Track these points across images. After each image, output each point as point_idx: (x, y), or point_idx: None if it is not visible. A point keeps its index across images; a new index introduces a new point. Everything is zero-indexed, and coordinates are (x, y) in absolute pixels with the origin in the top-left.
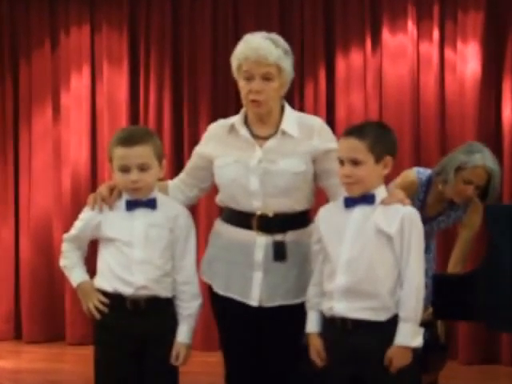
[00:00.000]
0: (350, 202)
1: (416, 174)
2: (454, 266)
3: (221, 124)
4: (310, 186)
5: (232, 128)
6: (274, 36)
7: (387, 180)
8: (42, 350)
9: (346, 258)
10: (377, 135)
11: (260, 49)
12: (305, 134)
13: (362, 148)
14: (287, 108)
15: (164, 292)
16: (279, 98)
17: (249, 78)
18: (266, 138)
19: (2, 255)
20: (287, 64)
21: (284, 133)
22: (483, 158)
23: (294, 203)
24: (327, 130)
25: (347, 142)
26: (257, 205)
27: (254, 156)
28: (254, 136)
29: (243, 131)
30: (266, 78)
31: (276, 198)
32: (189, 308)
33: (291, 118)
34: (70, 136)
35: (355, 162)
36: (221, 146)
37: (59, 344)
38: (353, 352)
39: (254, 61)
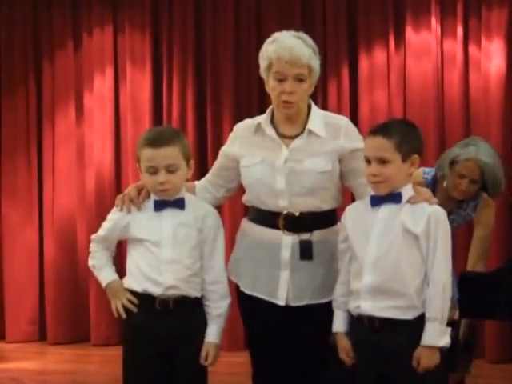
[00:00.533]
0: (376, 201)
1: (422, 174)
2: (472, 266)
3: (247, 124)
4: (336, 185)
5: (258, 127)
6: (303, 35)
7: None
8: (67, 352)
9: (373, 257)
10: (403, 134)
11: (294, 49)
12: (331, 133)
13: (389, 147)
14: (314, 107)
15: (193, 292)
16: (307, 98)
17: (281, 79)
18: (293, 138)
19: (27, 256)
20: (316, 64)
21: (310, 132)
22: (476, 151)
23: (321, 202)
24: (353, 129)
25: (374, 140)
26: (283, 204)
27: (281, 155)
28: (281, 135)
29: (269, 131)
30: (299, 79)
31: (302, 197)
32: (218, 308)
33: (318, 118)
34: (93, 137)
35: (382, 161)
36: (247, 146)
37: (84, 345)
38: (379, 351)
39: (287, 61)
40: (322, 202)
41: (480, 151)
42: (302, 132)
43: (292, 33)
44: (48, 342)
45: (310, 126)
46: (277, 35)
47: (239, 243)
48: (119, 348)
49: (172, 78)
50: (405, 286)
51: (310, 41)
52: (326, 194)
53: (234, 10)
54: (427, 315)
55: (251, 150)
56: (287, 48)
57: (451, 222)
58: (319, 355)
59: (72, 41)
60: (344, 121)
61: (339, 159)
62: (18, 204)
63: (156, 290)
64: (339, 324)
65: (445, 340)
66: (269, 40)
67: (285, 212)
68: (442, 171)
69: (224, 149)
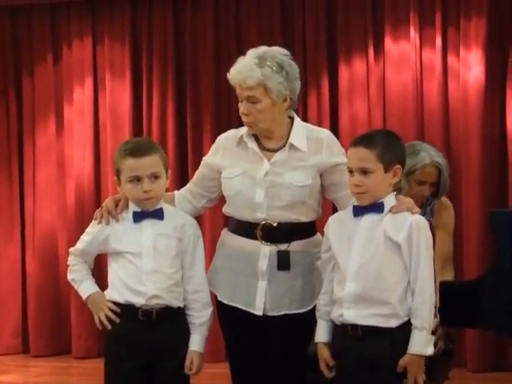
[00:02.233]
0: (358, 211)
1: None
2: (441, 270)
3: (230, 135)
4: (316, 198)
5: (241, 140)
6: (268, 52)
7: None
8: (49, 364)
9: (356, 265)
10: (385, 144)
11: (241, 72)
12: (313, 147)
13: (371, 157)
14: (296, 120)
15: (175, 302)
16: (280, 114)
17: (240, 100)
18: (275, 151)
19: (9, 271)
20: (277, 82)
21: (292, 146)
22: (429, 155)
23: (299, 215)
24: (336, 143)
25: (356, 151)
26: (261, 216)
27: (262, 169)
28: (263, 148)
29: (251, 144)
30: (251, 100)
31: (280, 210)
32: (201, 317)
33: (300, 131)
34: (73, 149)
35: (365, 172)
36: (229, 157)
37: (66, 358)
38: (362, 359)
39: (238, 83)
40: (301, 215)
41: (431, 154)
42: (283, 145)
43: (258, 50)
44: (31, 354)
45: (291, 139)
46: (241, 57)
47: (218, 253)
48: (100, 360)
49: (152, 89)
50: (387, 294)
51: (271, 59)
52: (304, 208)
53: (214, 20)
54: (414, 324)
55: (233, 162)
56: (237, 70)
57: None
58: (297, 365)
59: (51, 53)
60: (326, 134)
61: (321, 173)
62: (0, 219)
63: (138, 301)
64: (321, 334)
65: (431, 348)
66: None
67: (263, 222)
68: (399, 185)
69: (206, 159)
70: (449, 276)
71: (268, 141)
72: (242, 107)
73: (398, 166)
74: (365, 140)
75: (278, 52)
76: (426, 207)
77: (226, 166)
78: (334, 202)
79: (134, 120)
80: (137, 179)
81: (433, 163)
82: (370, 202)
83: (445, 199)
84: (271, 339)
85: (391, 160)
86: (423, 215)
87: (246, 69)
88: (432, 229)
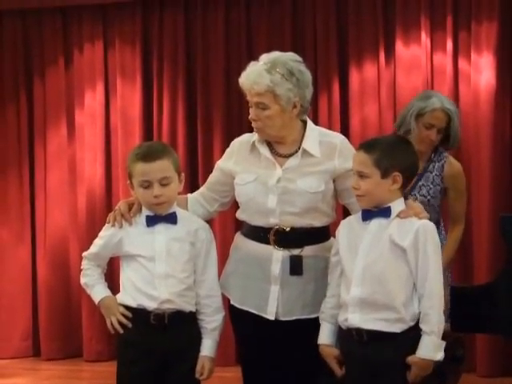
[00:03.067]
0: (366, 215)
1: None
2: (450, 231)
3: (244, 140)
4: (329, 204)
5: (253, 146)
6: (280, 58)
7: None
8: (60, 367)
9: (361, 270)
10: (386, 150)
11: (250, 77)
12: (326, 152)
13: (368, 162)
14: (309, 125)
15: (187, 306)
16: (290, 120)
17: (250, 106)
18: (287, 157)
19: (20, 274)
20: (286, 88)
21: (305, 152)
22: (440, 100)
23: (312, 220)
24: (349, 148)
25: (357, 155)
26: (274, 221)
27: (274, 175)
28: (276, 154)
29: (263, 150)
30: (260, 107)
31: (293, 215)
32: (213, 322)
33: (313, 136)
34: (84, 153)
35: (361, 175)
36: (242, 163)
37: (77, 361)
38: (367, 363)
39: (247, 89)
40: (314, 220)
41: (443, 100)
42: (296, 151)
43: (270, 56)
44: (42, 357)
45: (304, 145)
46: (250, 63)
47: (231, 257)
48: (111, 364)
49: (162, 93)
50: (392, 298)
51: (282, 65)
52: (317, 214)
53: (225, 25)
54: (424, 329)
55: (246, 168)
56: (247, 76)
57: (420, 189)
58: (309, 369)
59: (63, 57)
60: (339, 140)
61: (333, 179)
62: (10, 222)
63: (151, 305)
64: (325, 336)
65: (441, 353)
66: None
67: (276, 227)
68: (408, 126)
69: (219, 163)
70: (457, 231)
71: (280, 146)
72: (252, 113)
73: (397, 173)
74: (366, 144)
75: (290, 58)
76: (435, 163)
77: (238, 172)
78: (347, 207)
79: (144, 124)
80: (147, 184)
81: (443, 108)
82: (371, 206)
83: (454, 160)
84: (283, 344)
85: (390, 166)
86: (431, 171)
87: (254, 74)
88: (442, 188)
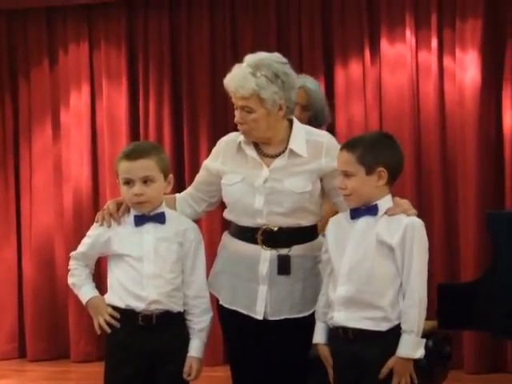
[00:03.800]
0: (354, 214)
1: None
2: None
3: (231, 139)
4: (316, 203)
5: (240, 146)
6: (264, 61)
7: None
8: (47, 369)
9: (347, 268)
10: (368, 146)
11: (235, 81)
12: (313, 152)
13: (352, 160)
14: (296, 124)
15: (175, 306)
16: (276, 121)
17: (235, 108)
18: (274, 157)
19: (5, 274)
20: (271, 92)
21: (292, 152)
22: (303, 80)
23: (300, 220)
24: (335, 147)
25: (340, 155)
26: (261, 222)
27: (261, 175)
28: (262, 154)
29: (249, 151)
30: (245, 110)
31: (280, 216)
32: (200, 322)
33: (299, 136)
34: (70, 153)
35: (346, 174)
36: (229, 163)
37: (64, 362)
38: (354, 361)
39: (232, 91)
40: (301, 220)
41: (306, 80)
42: (283, 151)
43: (253, 58)
44: (28, 358)
45: (291, 145)
46: (235, 65)
47: (219, 256)
48: (98, 364)
49: (148, 93)
50: (378, 297)
51: (266, 67)
52: (305, 213)
53: (210, 24)
54: (403, 327)
55: (233, 168)
56: (231, 79)
57: None
58: (298, 368)
59: (47, 57)
60: (326, 138)
61: (320, 178)
62: None
63: (139, 305)
64: (319, 335)
65: (420, 352)
66: None
67: (263, 227)
68: None
69: (206, 163)
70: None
71: (267, 146)
72: (237, 116)
73: (382, 168)
74: (348, 143)
75: (274, 60)
76: None
77: (225, 172)
78: (335, 207)
79: (130, 124)
80: (129, 182)
81: (305, 87)
82: (359, 204)
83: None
84: (272, 343)
85: (373, 162)
86: None
87: (239, 78)
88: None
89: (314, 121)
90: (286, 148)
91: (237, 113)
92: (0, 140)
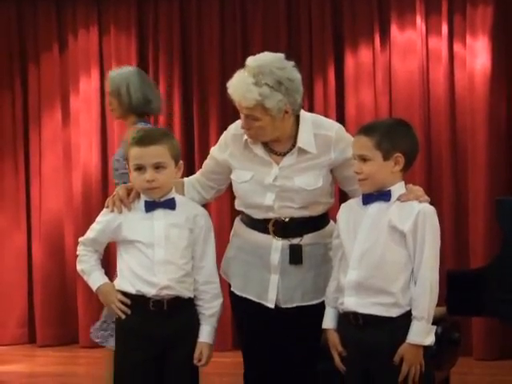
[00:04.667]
0: (367, 199)
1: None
2: None
3: (238, 133)
4: (327, 193)
5: (246, 143)
6: (265, 68)
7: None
8: (56, 354)
9: (358, 253)
10: (385, 132)
11: (238, 91)
12: (321, 147)
13: (369, 145)
14: (303, 119)
15: (186, 292)
16: (283, 123)
17: (240, 113)
18: (283, 154)
19: (15, 260)
20: (276, 100)
21: (301, 149)
22: None
23: (311, 212)
24: (344, 137)
25: (357, 139)
26: (272, 215)
27: (271, 173)
28: (271, 152)
29: (258, 150)
30: (251, 118)
31: (292, 209)
32: (211, 308)
33: (307, 131)
34: (79, 139)
35: (363, 159)
36: (238, 158)
37: (73, 347)
38: (364, 347)
39: (236, 101)
40: (313, 211)
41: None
42: (292, 147)
43: (254, 65)
44: (37, 344)
45: (299, 143)
46: (236, 74)
47: (232, 243)
48: (108, 350)
49: (158, 79)
50: (389, 283)
51: (271, 75)
52: (316, 205)
53: (220, 10)
54: (414, 314)
55: (242, 164)
56: (235, 88)
57: None
58: (309, 355)
59: (57, 43)
60: (334, 131)
61: (332, 169)
62: (6, 208)
63: (150, 291)
64: (329, 320)
65: (430, 338)
66: None
67: (274, 218)
68: None
69: (214, 153)
70: None
71: (275, 144)
72: (243, 122)
73: (399, 154)
74: (365, 128)
75: (276, 66)
76: None
77: (235, 167)
78: (349, 194)
79: None
80: (140, 168)
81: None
82: (373, 190)
83: None
84: (284, 330)
85: (391, 148)
86: None
87: (242, 89)
88: None
89: None
90: (294, 144)
91: (242, 119)
92: (10, 125)
